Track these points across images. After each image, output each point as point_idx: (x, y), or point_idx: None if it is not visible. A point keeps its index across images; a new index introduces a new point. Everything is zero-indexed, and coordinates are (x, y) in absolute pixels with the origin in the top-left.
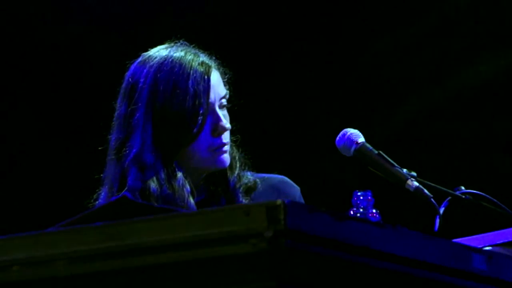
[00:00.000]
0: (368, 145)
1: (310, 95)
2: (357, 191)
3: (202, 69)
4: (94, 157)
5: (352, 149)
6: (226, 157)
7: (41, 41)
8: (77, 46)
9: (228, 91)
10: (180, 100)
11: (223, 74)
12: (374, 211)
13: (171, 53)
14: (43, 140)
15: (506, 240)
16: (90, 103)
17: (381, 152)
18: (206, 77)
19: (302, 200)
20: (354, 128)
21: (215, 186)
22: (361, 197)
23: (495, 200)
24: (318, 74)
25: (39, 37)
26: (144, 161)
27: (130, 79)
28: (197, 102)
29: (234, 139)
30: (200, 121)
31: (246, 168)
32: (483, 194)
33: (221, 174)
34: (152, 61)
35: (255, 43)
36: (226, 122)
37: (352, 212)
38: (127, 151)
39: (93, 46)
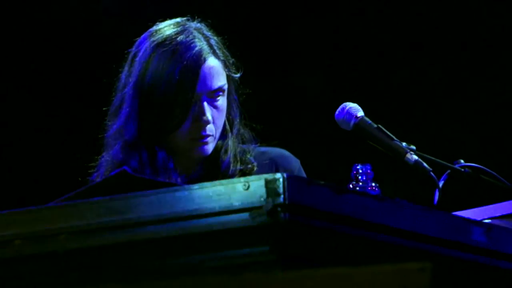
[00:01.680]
0: (367, 119)
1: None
2: (357, 164)
3: (194, 59)
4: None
5: (352, 123)
6: (207, 148)
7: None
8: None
9: (226, 83)
10: (165, 87)
11: (226, 65)
12: (373, 184)
13: (173, 35)
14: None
15: (505, 213)
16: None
17: (380, 126)
18: (196, 67)
19: (303, 173)
20: (353, 100)
21: (208, 171)
22: (361, 171)
23: (494, 173)
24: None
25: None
26: (126, 137)
27: (134, 48)
28: (181, 92)
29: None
30: (182, 111)
31: (246, 148)
32: (482, 167)
33: (213, 161)
34: (155, 37)
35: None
36: (209, 115)
37: (351, 186)
38: (112, 124)
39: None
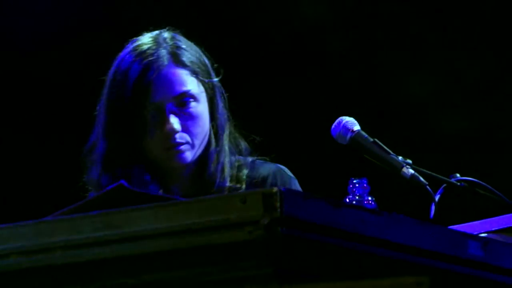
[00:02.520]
0: (363, 133)
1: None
2: (353, 178)
3: (147, 69)
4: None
5: (348, 137)
6: (183, 156)
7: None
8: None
9: (194, 88)
10: (120, 99)
11: (194, 71)
12: (369, 198)
13: (135, 45)
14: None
15: (501, 227)
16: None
17: (376, 140)
18: (148, 77)
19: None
20: (349, 115)
21: (193, 183)
22: (357, 185)
23: (490, 187)
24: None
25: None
26: (97, 156)
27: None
28: (136, 104)
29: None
30: (141, 123)
31: (243, 162)
32: (479, 181)
33: (198, 172)
34: (121, 55)
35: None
36: (175, 123)
37: (348, 200)
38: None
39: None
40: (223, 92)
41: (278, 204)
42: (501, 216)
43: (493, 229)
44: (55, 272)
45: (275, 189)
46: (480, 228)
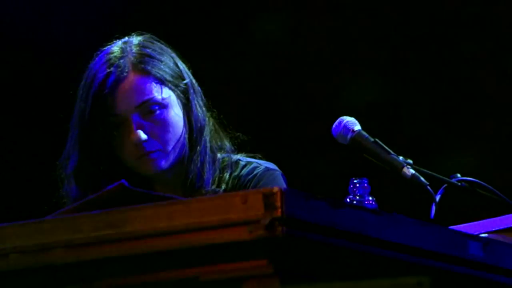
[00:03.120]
0: (364, 133)
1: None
2: (354, 178)
3: (104, 80)
4: None
5: (348, 137)
6: (156, 163)
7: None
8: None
9: (154, 96)
10: (84, 112)
11: (157, 77)
12: (370, 198)
13: (101, 55)
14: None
15: (502, 227)
16: None
17: (377, 139)
18: (106, 89)
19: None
20: (350, 115)
21: (174, 190)
22: (358, 185)
23: (490, 187)
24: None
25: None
26: (68, 170)
27: None
28: (96, 115)
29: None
30: (104, 135)
31: (227, 163)
32: (479, 181)
33: (180, 177)
34: (92, 61)
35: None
36: (140, 133)
37: (348, 200)
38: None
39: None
40: (200, 93)
41: (278, 204)
42: (501, 217)
43: (493, 229)
44: (55, 272)
45: (275, 188)
46: (481, 228)
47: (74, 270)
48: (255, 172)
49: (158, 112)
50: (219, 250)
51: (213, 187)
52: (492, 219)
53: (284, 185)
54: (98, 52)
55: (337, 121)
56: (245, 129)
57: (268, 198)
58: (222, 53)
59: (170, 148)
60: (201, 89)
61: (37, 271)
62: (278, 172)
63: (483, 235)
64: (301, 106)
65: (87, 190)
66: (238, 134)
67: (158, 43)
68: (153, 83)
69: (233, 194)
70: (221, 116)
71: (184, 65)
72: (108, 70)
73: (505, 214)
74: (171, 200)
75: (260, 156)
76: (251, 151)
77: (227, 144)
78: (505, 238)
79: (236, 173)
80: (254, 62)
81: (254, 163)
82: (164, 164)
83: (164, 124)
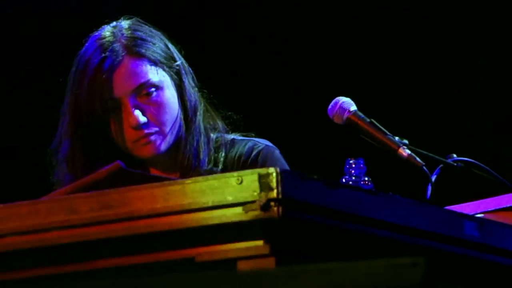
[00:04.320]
0: (360, 113)
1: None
2: (349, 159)
3: (99, 65)
4: None
5: (344, 117)
6: (153, 146)
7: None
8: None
9: (150, 78)
10: (79, 98)
11: (151, 59)
12: (366, 178)
13: (92, 40)
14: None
15: (497, 207)
16: None
17: (373, 120)
18: (101, 73)
19: (282, 164)
20: (346, 95)
21: (171, 171)
22: (354, 165)
23: (487, 168)
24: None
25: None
26: (61, 156)
27: None
28: (93, 100)
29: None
30: (102, 119)
31: (222, 141)
32: (475, 161)
33: (176, 157)
34: (83, 47)
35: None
36: (139, 115)
37: (344, 180)
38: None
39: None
40: (192, 73)
41: (274, 185)
42: (497, 197)
43: (489, 209)
44: (51, 252)
45: (271, 169)
46: (476, 208)
47: (70, 250)
48: (256, 151)
49: (154, 94)
50: (215, 231)
51: (210, 166)
52: (487, 199)
53: (283, 163)
54: (88, 38)
55: (333, 101)
56: (239, 109)
57: (264, 179)
58: (211, 32)
59: (167, 129)
60: (192, 70)
61: (33, 252)
62: (277, 150)
63: (478, 215)
64: (296, 87)
65: (79, 176)
66: (230, 113)
67: (147, 26)
68: (148, 65)
69: (229, 175)
70: (211, 96)
71: (173, 47)
72: (103, 55)
73: (500, 194)
74: (167, 180)
75: (253, 134)
76: (245, 131)
77: (219, 123)
78: (501, 218)
79: (233, 152)
80: (246, 40)
81: (251, 141)
82: (163, 146)
83: (161, 106)
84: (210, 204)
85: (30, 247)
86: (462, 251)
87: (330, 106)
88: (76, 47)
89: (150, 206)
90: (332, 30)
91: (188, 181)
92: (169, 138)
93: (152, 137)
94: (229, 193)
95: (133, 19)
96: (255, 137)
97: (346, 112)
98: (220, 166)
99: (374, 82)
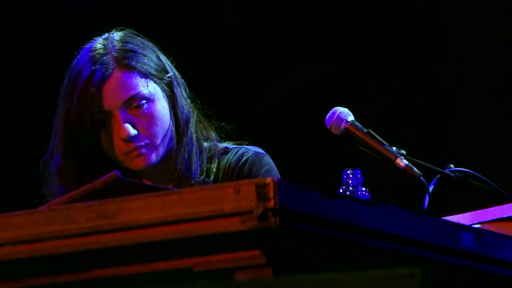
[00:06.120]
0: (357, 123)
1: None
2: (347, 169)
3: (89, 78)
4: None
5: (342, 127)
6: (145, 158)
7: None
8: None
9: (140, 90)
10: (69, 110)
11: (141, 71)
12: (363, 189)
13: (84, 53)
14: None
15: (495, 218)
16: None
17: (370, 130)
18: (92, 86)
19: (271, 172)
20: (343, 105)
21: (163, 183)
22: (351, 175)
23: (484, 178)
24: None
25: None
26: (52, 168)
27: None
28: (82, 113)
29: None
30: (92, 131)
31: (214, 151)
32: (473, 172)
33: (168, 169)
34: (75, 59)
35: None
36: (129, 128)
37: (341, 190)
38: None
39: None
40: (184, 84)
41: (271, 195)
42: (494, 207)
43: (486, 220)
44: (49, 262)
45: (268, 179)
46: (474, 219)
47: (67, 260)
48: (245, 158)
49: (145, 106)
50: (212, 241)
51: (202, 177)
52: (485, 209)
53: (275, 170)
54: (79, 50)
55: (331, 111)
56: (234, 119)
57: (261, 189)
58: (203, 40)
59: (158, 141)
60: (184, 80)
61: (30, 261)
62: (267, 156)
63: (476, 225)
64: (293, 97)
65: (71, 189)
66: (222, 123)
67: (139, 38)
68: (138, 77)
69: (226, 185)
70: (205, 106)
71: (166, 58)
72: (93, 68)
73: (498, 205)
74: (164, 190)
75: (246, 142)
76: (239, 140)
77: (212, 134)
78: (498, 229)
79: (225, 161)
80: (241, 48)
81: (242, 148)
82: (154, 158)
83: (151, 118)
84: (207, 214)
85: (27, 257)
86: (459, 261)
87: (327, 116)
88: (70, 57)
89: (147, 216)
90: (332, 37)
91: (185, 191)
92: (161, 150)
93: (143, 150)
94: (226, 203)
95: (126, 30)
96: (248, 145)
97: (344, 122)
98: (212, 177)
99: (372, 93)
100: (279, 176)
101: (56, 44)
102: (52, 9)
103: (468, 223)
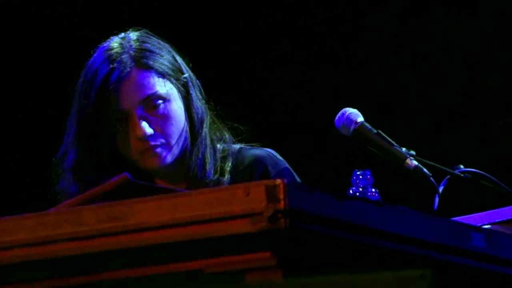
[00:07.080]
0: (367, 124)
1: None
2: (356, 170)
3: (107, 76)
4: None
5: (351, 128)
6: (160, 158)
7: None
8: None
9: (157, 90)
10: (85, 108)
11: (159, 71)
12: (373, 190)
13: (101, 51)
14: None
15: (505, 218)
16: None
17: (380, 131)
18: (109, 84)
19: (286, 174)
20: (353, 106)
21: (177, 182)
22: (360, 176)
23: (494, 179)
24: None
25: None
26: (66, 165)
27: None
28: (99, 111)
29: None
30: (108, 129)
31: (228, 151)
32: (482, 172)
33: (182, 169)
34: (91, 58)
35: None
36: (145, 127)
37: (351, 191)
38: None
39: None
40: (199, 85)
41: (281, 196)
42: (505, 208)
43: (496, 220)
44: (59, 264)
45: (278, 180)
46: (484, 219)
47: (78, 262)
48: (258, 159)
49: (161, 106)
50: (223, 242)
51: (216, 176)
52: (495, 210)
53: (290, 171)
54: (96, 49)
55: (340, 112)
56: (246, 120)
57: (271, 190)
58: (217, 43)
59: (173, 141)
60: (199, 81)
61: (40, 264)
62: (281, 158)
63: (486, 226)
64: (303, 98)
65: (85, 186)
66: (236, 125)
67: (155, 38)
68: (156, 77)
69: (236, 186)
70: (218, 108)
71: (181, 59)
72: (111, 66)
73: (508, 205)
74: (174, 192)
75: (260, 144)
76: (251, 142)
77: (226, 135)
78: (508, 230)
79: (240, 162)
80: (253, 50)
81: (256, 149)
82: (169, 158)
83: (167, 118)
84: (217, 215)
85: (38, 259)
86: (470, 262)
87: (337, 117)
88: (85, 56)
89: (158, 217)
90: (341, 41)
91: (195, 193)
92: (175, 150)
93: (158, 149)
94: (236, 205)
95: (142, 30)
96: (261, 147)
97: (353, 123)
98: (227, 176)
99: (382, 93)
100: (295, 177)
101: (68, 43)
102: (64, 9)
103: (478, 224)
